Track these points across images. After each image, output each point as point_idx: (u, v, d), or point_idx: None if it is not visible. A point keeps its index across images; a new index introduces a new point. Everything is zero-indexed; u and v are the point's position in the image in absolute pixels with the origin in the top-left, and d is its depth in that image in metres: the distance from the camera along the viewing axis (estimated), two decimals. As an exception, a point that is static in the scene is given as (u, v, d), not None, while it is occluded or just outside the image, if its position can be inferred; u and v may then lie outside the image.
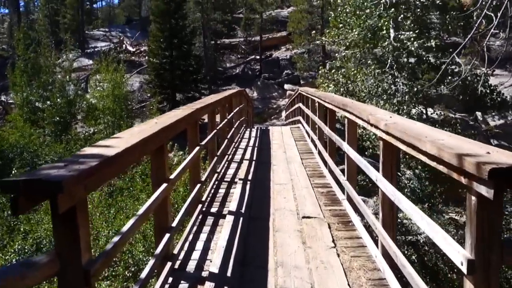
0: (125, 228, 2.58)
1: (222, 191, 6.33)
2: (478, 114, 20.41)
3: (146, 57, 31.25)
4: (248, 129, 13.52)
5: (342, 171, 5.84)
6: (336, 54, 11.31)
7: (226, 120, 8.41)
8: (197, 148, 5.15)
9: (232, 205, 5.50)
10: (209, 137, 6.28)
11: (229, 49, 36.20)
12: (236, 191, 6.16)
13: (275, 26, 36.75)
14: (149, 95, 28.57)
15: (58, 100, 22.74)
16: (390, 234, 3.58)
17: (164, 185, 3.55)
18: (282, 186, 6.37)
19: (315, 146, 9.03)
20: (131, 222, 2.68)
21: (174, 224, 3.88)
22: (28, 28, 45.24)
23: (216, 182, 6.75)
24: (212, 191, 6.29)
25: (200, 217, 5.16)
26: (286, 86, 29.96)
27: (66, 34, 36.88)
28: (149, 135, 3.02)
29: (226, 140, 8.31)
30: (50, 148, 18.51)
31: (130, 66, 36.44)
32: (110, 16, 66.72)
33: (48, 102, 23.26)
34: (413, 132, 2.78)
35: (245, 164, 8.05)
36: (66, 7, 41.54)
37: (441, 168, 2.36)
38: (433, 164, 2.47)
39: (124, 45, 42.83)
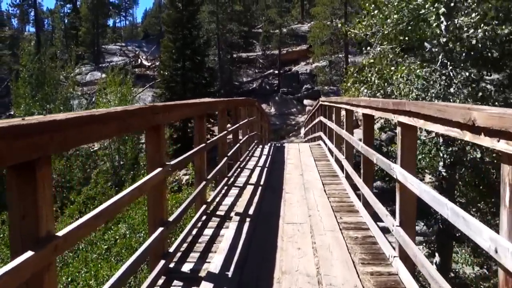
0: None
1: (208, 232, 4.35)
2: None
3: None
4: (260, 146, 11.58)
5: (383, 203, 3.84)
6: (369, 49, 9.22)
7: (225, 131, 6.46)
8: (159, 169, 3.20)
9: (215, 260, 3.51)
10: (189, 153, 4.33)
11: (247, 63, 34.58)
12: (227, 234, 4.18)
13: (295, 40, 35.07)
14: (160, 109, 26.98)
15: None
16: None
17: (30, 254, 1.61)
18: (296, 227, 4.35)
19: (342, 167, 7.01)
20: None
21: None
22: (49, 43, 44.90)
23: (203, 218, 4.78)
24: (194, 232, 4.31)
25: (160, 282, 3.18)
26: (305, 102, 28.06)
27: (75, 47, 36.03)
28: None
29: (224, 159, 6.35)
30: (49, 164, 17.01)
31: (144, 80, 35.36)
32: (132, 34, 66.60)
33: (51, 116, 21.88)
34: None
35: (248, 190, 6.07)
36: (81, 20, 40.80)
37: None
38: None
39: (139, 60, 41.95)
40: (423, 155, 8.12)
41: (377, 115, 4.14)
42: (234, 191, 6.13)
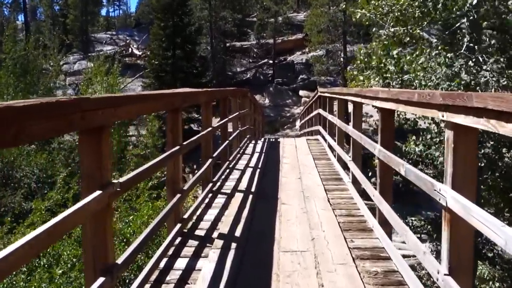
0: None
1: (180, 265, 3.31)
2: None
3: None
4: (253, 142, 10.54)
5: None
6: (381, 31, 8.11)
7: (210, 128, 5.40)
8: (99, 192, 2.15)
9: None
10: (156, 160, 3.26)
11: (240, 53, 33.33)
12: (205, 269, 3.14)
13: (290, 30, 33.85)
14: (149, 100, 25.72)
15: (43, 104, 20.15)
16: None
17: None
18: (296, 258, 3.33)
19: (345, 168, 5.99)
20: None
21: None
22: (37, 31, 43.36)
23: (177, 241, 3.74)
24: (161, 265, 3.27)
25: None
26: (301, 93, 27.01)
27: (61, 34, 34.55)
28: None
29: (209, 161, 5.31)
30: (30, 159, 15.98)
31: (135, 69, 34.16)
32: (126, 24, 64.96)
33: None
34: None
35: (237, 199, 5.03)
36: (70, 7, 39.32)
37: None
38: None
39: (130, 49, 40.60)
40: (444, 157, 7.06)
41: (409, 112, 3.11)
42: (219, 200, 5.11)
